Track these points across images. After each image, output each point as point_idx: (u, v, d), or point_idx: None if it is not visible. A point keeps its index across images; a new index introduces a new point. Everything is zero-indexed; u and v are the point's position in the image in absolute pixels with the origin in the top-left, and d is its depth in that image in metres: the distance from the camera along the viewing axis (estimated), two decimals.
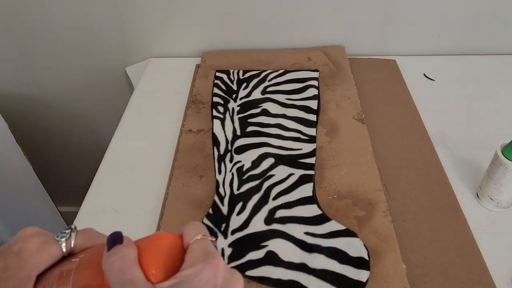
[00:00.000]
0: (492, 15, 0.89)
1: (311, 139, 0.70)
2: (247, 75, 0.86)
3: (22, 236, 0.32)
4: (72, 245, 0.31)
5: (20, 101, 1.08)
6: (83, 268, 0.28)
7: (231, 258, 0.53)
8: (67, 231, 0.32)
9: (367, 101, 0.80)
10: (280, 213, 0.59)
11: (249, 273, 0.52)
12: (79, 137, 1.17)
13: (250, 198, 0.61)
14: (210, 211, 0.60)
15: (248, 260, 0.53)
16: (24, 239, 0.31)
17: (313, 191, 0.62)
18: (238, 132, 0.72)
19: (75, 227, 0.33)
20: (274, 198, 0.61)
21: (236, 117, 0.76)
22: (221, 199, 0.61)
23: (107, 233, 0.28)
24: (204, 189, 0.64)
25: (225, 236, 0.56)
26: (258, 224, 0.57)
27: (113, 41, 0.97)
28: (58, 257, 0.31)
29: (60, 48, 0.98)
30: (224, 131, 0.73)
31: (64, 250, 0.31)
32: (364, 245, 0.54)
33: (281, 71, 0.86)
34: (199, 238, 0.28)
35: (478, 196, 0.62)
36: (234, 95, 0.81)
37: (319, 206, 0.59)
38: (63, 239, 0.31)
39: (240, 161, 0.67)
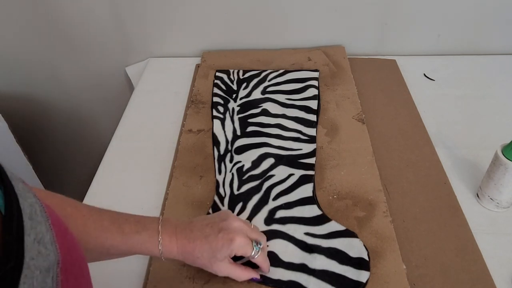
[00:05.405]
0: (492, 15, 0.89)
1: (311, 139, 0.70)
2: (247, 75, 0.86)
3: (236, 225, 0.48)
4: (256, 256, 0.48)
5: (20, 101, 1.08)
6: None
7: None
8: (259, 245, 0.49)
9: (367, 101, 0.80)
10: (280, 214, 0.59)
11: None
12: (79, 137, 1.17)
13: (250, 198, 0.61)
14: (210, 211, 0.60)
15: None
16: (236, 231, 0.47)
17: (313, 191, 0.62)
18: (238, 132, 0.72)
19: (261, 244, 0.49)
20: (274, 199, 0.61)
21: (236, 117, 0.76)
22: (221, 199, 0.61)
23: None
24: (204, 189, 0.64)
25: None
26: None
27: (113, 41, 0.97)
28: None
29: (60, 48, 0.98)
30: (224, 131, 0.73)
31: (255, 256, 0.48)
32: (364, 245, 0.54)
33: (281, 71, 0.86)
34: None
35: (478, 196, 0.62)
36: (234, 95, 0.81)
37: (319, 207, 0.59)
38: (257, 249, 0.48)
39: (240, 161, 0.67)
